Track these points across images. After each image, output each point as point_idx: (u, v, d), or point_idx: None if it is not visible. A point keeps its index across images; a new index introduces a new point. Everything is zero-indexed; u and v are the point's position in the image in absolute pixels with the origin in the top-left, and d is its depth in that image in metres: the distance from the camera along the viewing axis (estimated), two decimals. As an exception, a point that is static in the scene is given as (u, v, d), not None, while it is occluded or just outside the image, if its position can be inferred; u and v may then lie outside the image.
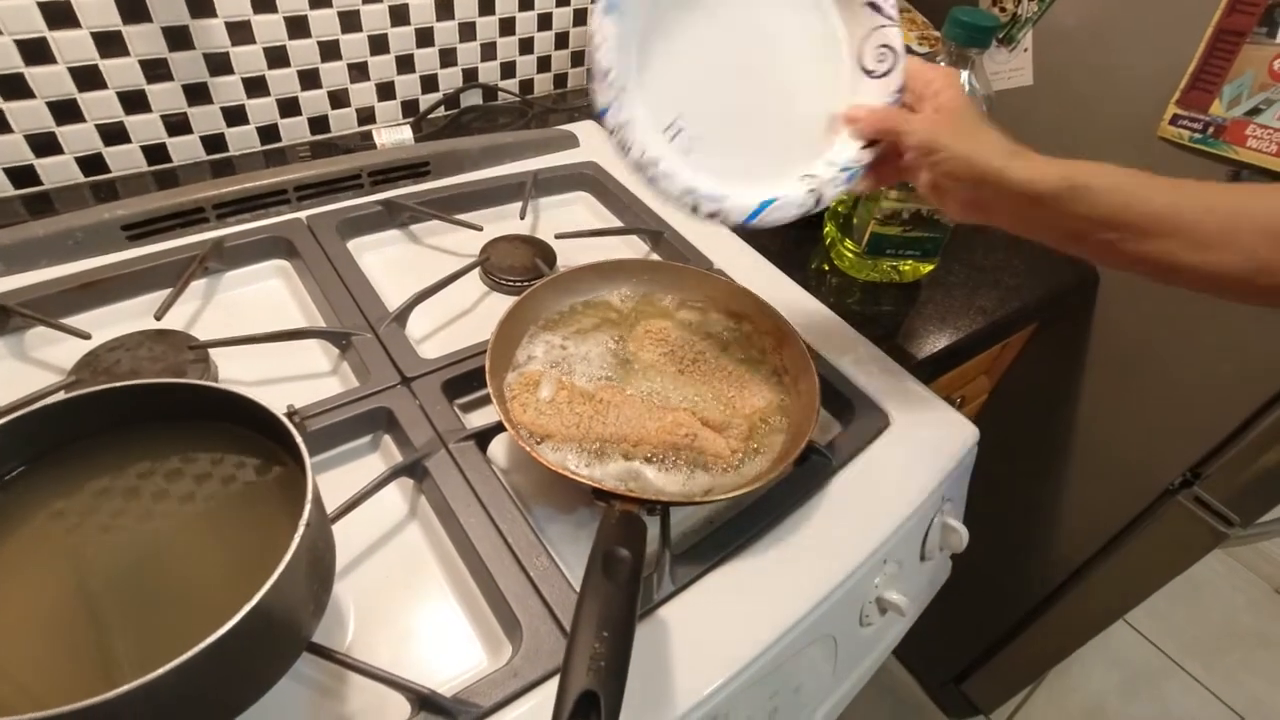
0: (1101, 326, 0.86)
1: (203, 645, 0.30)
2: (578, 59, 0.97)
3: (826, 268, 0.76)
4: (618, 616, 0.32)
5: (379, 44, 0.79)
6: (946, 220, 0.70)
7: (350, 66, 0.79)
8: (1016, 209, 0.46)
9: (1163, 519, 0.87)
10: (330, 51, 0.76)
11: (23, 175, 0.67)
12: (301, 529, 0.34)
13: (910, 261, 0.74)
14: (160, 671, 0.29)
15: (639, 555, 0.37)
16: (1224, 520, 0.81)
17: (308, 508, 0.35)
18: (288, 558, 0.33)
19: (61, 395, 0.38)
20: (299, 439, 0.38)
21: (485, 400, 0.56)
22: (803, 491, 0.52)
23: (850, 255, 0.74)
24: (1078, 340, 0.89)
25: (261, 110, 0.76)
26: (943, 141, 0.46)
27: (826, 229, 0.78)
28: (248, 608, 0.31)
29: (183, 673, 0.29)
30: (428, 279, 0.62)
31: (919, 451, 0.57)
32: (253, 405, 0.39)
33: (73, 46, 0.63)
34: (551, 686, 0.40)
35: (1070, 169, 0.44)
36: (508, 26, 0.87)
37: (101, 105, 0.67)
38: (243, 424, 0.41)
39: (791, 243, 0.78)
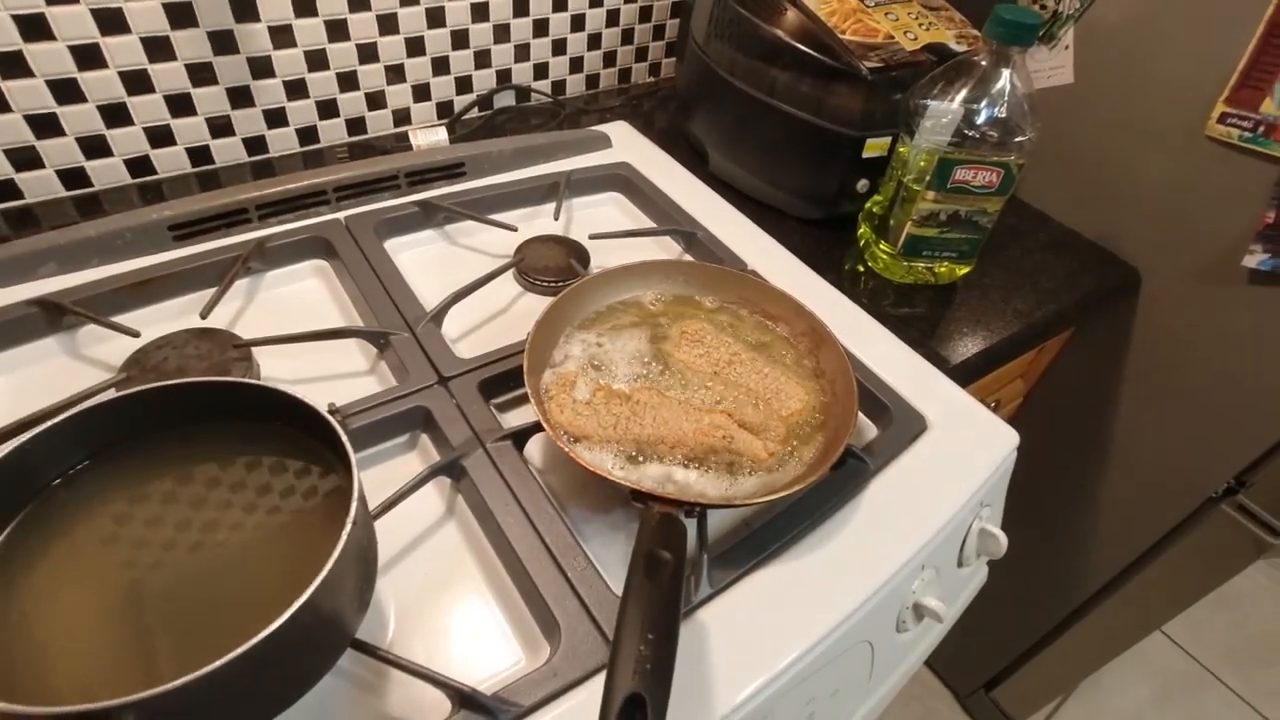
0: (1143, 329, 0.84)
1: (255, 640, 0.30)
2: (609, 60, 0.97)
3: (861, 269, 0.76)
4: (662, 619, 0.32)
5: (415, 46, 0.80)
6: (985, 222, 0.69)
7: (387, 69, 0.80)
8: None
9: (1205, 527, 0.85)
10: (368, 54, 0.78)
11: (74, 177, 0.69)
12: (349, 527, 0.35)
13: (946, 263, 0.73)
14: (211, 667, 0.29)
15: (680, 557, 0.37)
16: (1269, 529, 0.79)
17: (354, 506, 0.36)
18: (335, 555, 0.34)
19: (113, 393, 0.39)
20: (344, 437, 0.38)
21: (521, 400, 0.57)
22: (840, 495, 0.51)
23: (885, 257, 0.73)
24: (1117, 343, 0.87)
25: (301, 112, 0.77)
26: None
27: (860, 230, 0.77)
28: (298, 604, 0.32)
29: (233, 668, 0.30)
30: (463, 279, 0.63)
31: (957, 456, 0.56)
32: (300, 404, 0.40)
33: (123, 51, 0.65)
34: (591, 686, 0.40)
35: None
36: (541, 28, 0.88)
37: (149, 109, 0.69)
38: (290, 423, 0.41)
39: (825, 244, 0.77)
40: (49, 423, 0.36)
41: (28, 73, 0.62)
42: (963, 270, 0.74)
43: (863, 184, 0.76)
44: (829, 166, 0.75)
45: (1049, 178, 0.86)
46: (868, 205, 0.76)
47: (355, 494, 0.36)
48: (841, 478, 0.52)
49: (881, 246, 0.73)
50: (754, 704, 0.42)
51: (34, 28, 0.60)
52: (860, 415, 0.59)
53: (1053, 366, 0.93)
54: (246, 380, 0.40)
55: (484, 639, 0.44)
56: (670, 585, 0.34)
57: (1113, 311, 0.86)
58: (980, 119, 0.63)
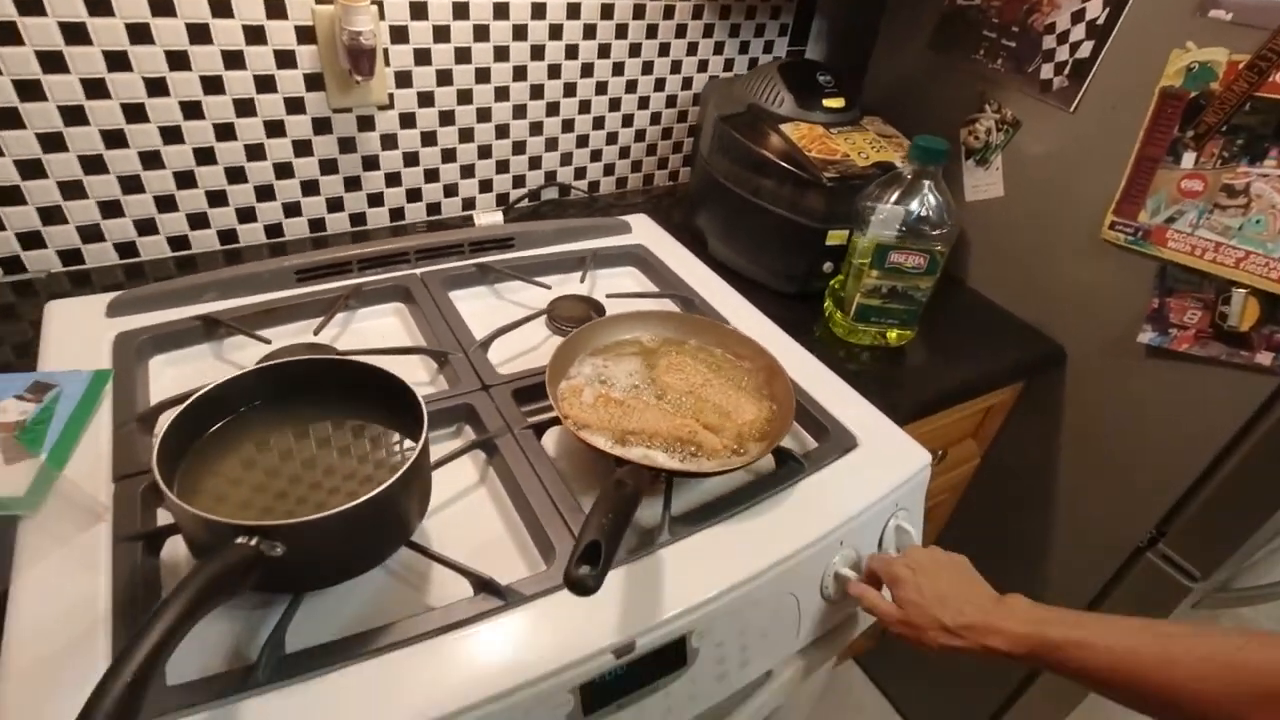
0: (1072, 399, 0.99)
1: (358, 501, 0.47)
2: (636, 167, 1.21)
3: (826, 334, 0.93)
4: (619, 508, 0.49)
5: (485, 151, 1.04)
6: (920, 295, 0.87)
7: (461, 168, 1.04)
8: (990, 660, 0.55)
9: (1135, 577, 0.96)
10: (449, 157, 1.02)
11: (228, 236, 0.92)
12: (420, 446, 0.52)
13: (893, 329, 0.90)
14: (325, 513, 0.46)
15: (638, 486, 0.53)
16: (1187, 574, 0.89)
17: (423, 436, 0.54)
18: (406, 466, 0.51)
19: (277, 360, 0.59)
20: (421, 401, 0.57)
21: (546, 409, 0.74)
22: (778, 486, 0.67)
23: (844, 323, 0.91)
24: (1054, 411, 1.02)
25: (394, 197, 1.01)
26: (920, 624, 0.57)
27: (826, 304, 0.95)
28: (388, 483, 0.49)
29: (334, 521, 0.47)
30: (507, 321, 0.83)
31: (877, 465, 0.71)
32: (402, 385, 0.58)
33: (278, 149, 0.90)
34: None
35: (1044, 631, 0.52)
36: (583, 141, 1.12)
37: (288, 190, 0.93)
38: (384, 402, 0.59)
39: (797, 313, 0.95)
40: (240, 371, 0.56)
41: (213, 161, 0.87)
42: (908, 335, 0.91)
43: (827, 265, 0.95)
44: (800, 251, 0.95)
45: (990, 270, 1.04)
46: (831, 284, 0.95)
47: (424, 432, 0.54)
48: (780, 474, 0.68)
49: (838, 315, 0.91)
50: (694, 615, 0.56)
51: (223, 132, 0.85)
52: (803, 432, 0.76)
53: (1002, 433, 1.08)
54: (365, 361, 0.60)
55: (500, 558, 0.60)
56: (629, 496, 0.51)
57: (1047, 382, 1.01)
58: (910, 217, 0.82)
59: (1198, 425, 0.86)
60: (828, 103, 0.97)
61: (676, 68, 1.14)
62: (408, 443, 0.59)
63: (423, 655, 0.51)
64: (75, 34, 0.74)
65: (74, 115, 0.77)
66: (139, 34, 0.76)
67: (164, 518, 0.58)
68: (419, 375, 0.78)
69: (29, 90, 0.74)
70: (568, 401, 0.69)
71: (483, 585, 0.55)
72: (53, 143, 0.78)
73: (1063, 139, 0.92)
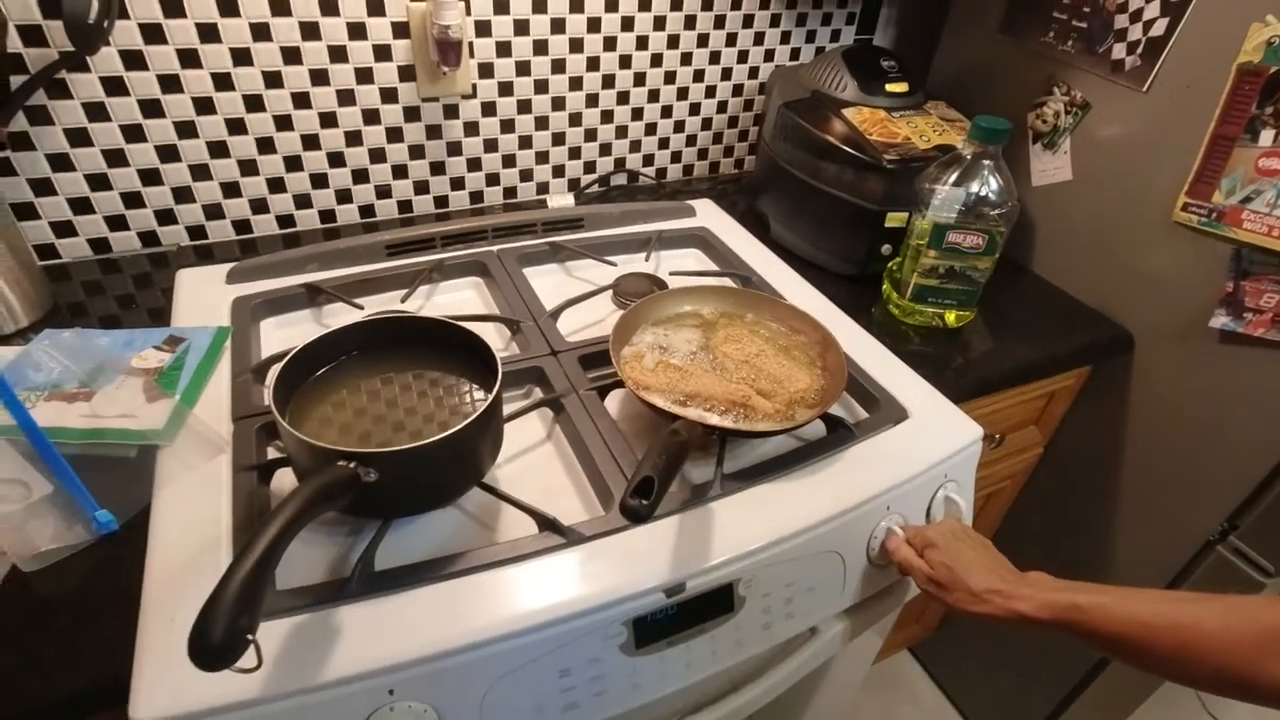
0: (1140, 387, 0.97)
1: (444, 434, 0.54)
2: (703, 155, 1.25)
3: (884, 315, 0.95)
4: (669, 455, 0.53)
5: (558, 139, 1.11)
6: (978, 276, 0.88)
7: (537, 154, 1.11)
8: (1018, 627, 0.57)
9: (1206, 571, 0.93)
10: (525, 143, 1.09)
11: (328, 216, 1.02)
12: (493, 395, 0.58)
13: (953, 311, 0.91)
14: (415, 444, 0.53)
15: (692, 437, 0.57)
16: (1260, 570, 0.87)
17: (497, 386, 0.59)
18: (480, 410, 0.57)
19: (367, 316, 0.66)
20: (496, 355, 0.63)
21: (610, 374, 0.79)
22: (828, 450, 0.70)
23: (901, 303, 0.92)
24: (1120, 400, 1.00)
25: (474, 181, 1.09)
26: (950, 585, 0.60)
27: (884, 286, 0.97)
28: (462, 424, 0.55)
29: (422, 452, 0.53)
30: (575, 294, 0.88)
31: (928, 437, 0.73)
32: (479, 341, 0.64)
33: (373, 136, 0.98)
34: (629, 531, 0.61)
35: (1072, 598, 0.54)
36: (651, 129, 1.17)
37: (381, 174, 1.02)
38: (462, 358, 0.66)
39: (855, 295, 0.97)
40: (341, 324, 0.63)
41: (317, 146, 0.96)
42: (967, 316, 0.92)
43: (886, 247, 0.96)
44: (859, 233, 0.97)
45: (1055, 256, 1.03)
46: (889, 266, 0.97)
47: (498, 382, 0.60)
48: (831, 439, 0.71)
49: (895, 296, 0.93)
50: (742, 564, 0.60)
51: (326, 119, 0.95)
52: (855, 403, 0.78)
53: (1067, 421, 1.06)
54: (445, 319, 0.66)
55: (564, 502, 0.65)
56: (683, 443, 0.55)
57: (1113, 370, 0.99)
58: (970, 198, 0.83)
59: (1274, 412, 0.83)
60: (891, 87, 0.99)
61: (743, 57, 1.18)
62: (482, 393, 0.65)
63: (491, 581, 0.56)
64: (208, 33, 0.84)
65: (204, 106, 0.88)
66: (260, 32, 0.86)
67: (273, 453, 0.66)
68: (494, 341, 0.84)
69: (169, 84, 0.85)
70: (630, 365, 0.74)
71: (547, 524, 0.60)
72: (186, 130, 0.89)
73: (1134, 120, 0.91)
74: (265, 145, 0.93)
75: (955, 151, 0.86)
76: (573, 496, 0.67)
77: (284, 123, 0.93)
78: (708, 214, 1.11)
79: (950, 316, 0.92)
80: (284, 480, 0.64)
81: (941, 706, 1.47)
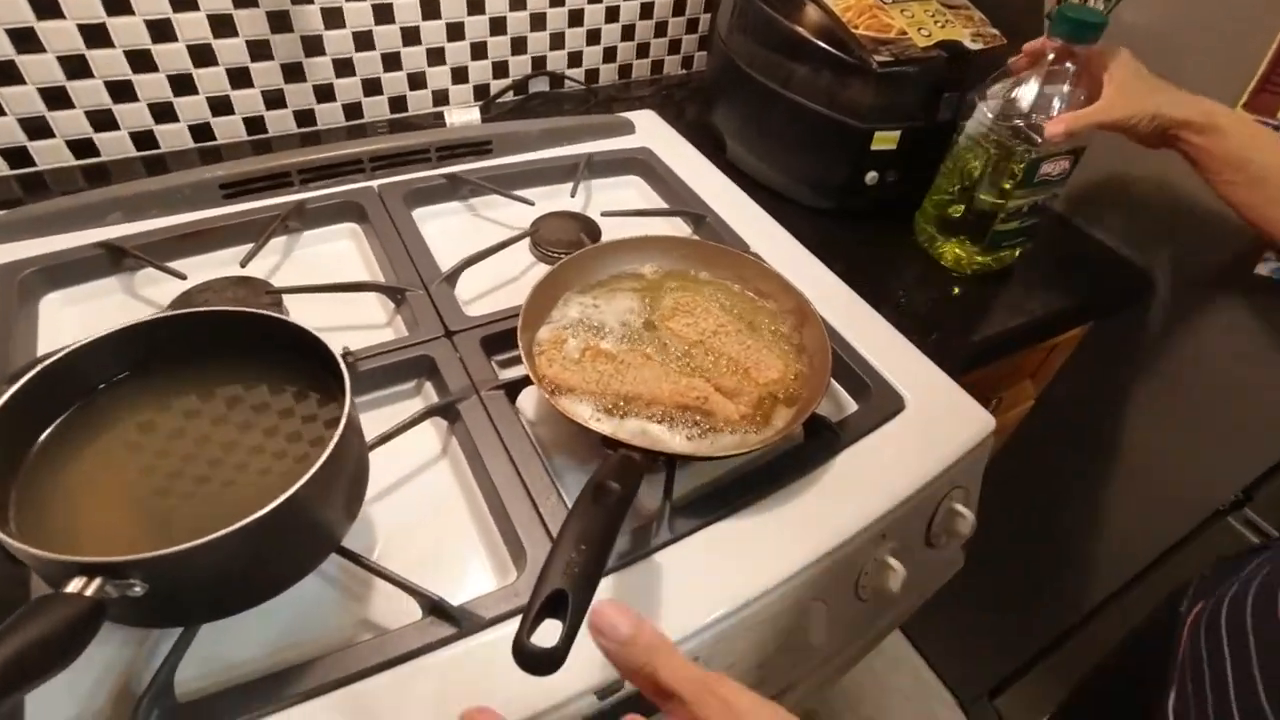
0: (1155, 337, 0.84)
1: (243, 523, 0.35)
2: (643, 51, 1.01)
3: (925, 272, 0.78)
4: (598, 535, 0.36)
5: (455, 31, 0.85)
6: (1054, 203, 0.73)
7: (429, 51, 0.85)
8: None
9: (1209, 540, 0.84)
10: (411, 37, 0.83)
11: (144, 139, 0.76)
12: (336, 437, 0.39)
13: (1019, 249, 0.76)
14: (206, 539, 0.34)
15: (628, 489, 0.40)
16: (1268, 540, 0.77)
17: (343, 422, 0.40)
18: (319, 463, 0.38)
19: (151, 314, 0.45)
20: (345, 371, 0.43)
21: (520, 358, 0.61)
22: (808, 463, 0.54)
23: (958, 252, 0.75)
24: (1128, 351, 0.87)
25: (348, 89, 0.84)
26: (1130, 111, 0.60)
27: (922, 230, 0.79)
28: (282, 498, 0.36)
29: (225, 544, 0.34)
30: (481, 247, 0.68)
31: (930, 436, 0.58)
32: (314, 340, 0.44)
33: (191, 26, 0.72)
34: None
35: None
36: (576, 18, 0.92)
37: (212, 80, 0.76)
38: (305, 358, 0.46)
39: (834, 234, 0.79)
40: (93, 336, 0.42)
41: (108, 43, 0.69)
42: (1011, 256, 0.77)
43: (871, 175, 0.78)
44: (838, 157, 0.77)
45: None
46: (925, 204, 0.78)
47: (345, 411, 0.41)
48: (812, 447, 0.55)
49: (953, 245, 0.75)
50: (699, 639, 0.45)
51: (116, 5, 0.68)
52: (841, 392, 0.62)
53: (1062, 373, 0.93)
54: (260, 311, 0.46)
55: (460, 562, 0.48)
56: (613, 510, 0.38)
57: (1125, 318, 0.85)
58: (1053, 109, 0.65)
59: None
60: (883, -38, 0.76)
61: (692, -80, 0.92)
62: (334, 408, 0.45)
63: (352, 704, 0.40)
64: None
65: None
66: None
67: None
68: (372, 316, 0.64)
69: None
70: (546, 355, 0.56)
71: (432, 608, 0.43)
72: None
73: (1177, 11, 0.72)
74: (22, 39, 0.66)
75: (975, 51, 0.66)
76: (475, 547, 0.49)
77: (49, 8, 0.66)
78: (649, 129, 0.89)
79: (1005, 254, 0.76)
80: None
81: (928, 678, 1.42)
